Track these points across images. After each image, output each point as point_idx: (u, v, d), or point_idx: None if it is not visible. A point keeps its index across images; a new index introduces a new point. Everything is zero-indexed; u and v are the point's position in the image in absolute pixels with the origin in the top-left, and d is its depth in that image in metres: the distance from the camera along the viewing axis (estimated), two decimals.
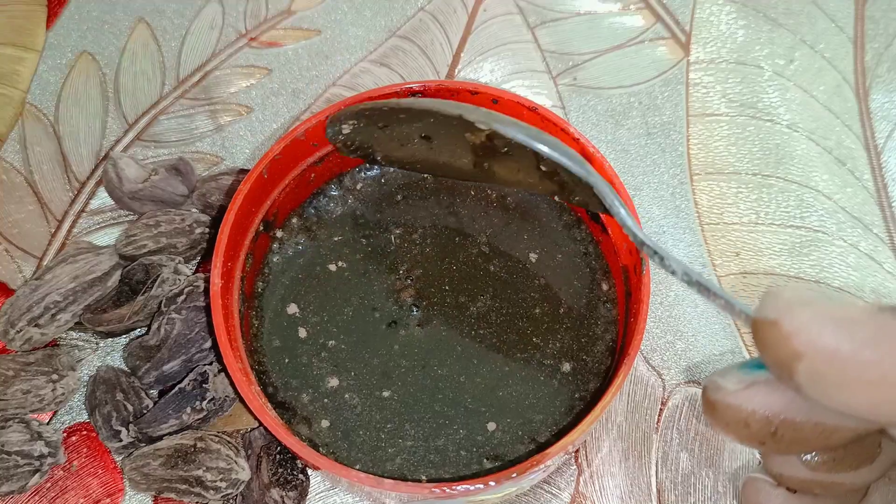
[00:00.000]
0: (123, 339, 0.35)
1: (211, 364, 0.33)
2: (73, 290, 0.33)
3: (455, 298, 0.33)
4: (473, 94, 0.33)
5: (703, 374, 0.35)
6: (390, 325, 0.33)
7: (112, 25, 0.44)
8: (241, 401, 0.33)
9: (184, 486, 0.31)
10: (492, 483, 0.26)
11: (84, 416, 0.34)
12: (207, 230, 0.36)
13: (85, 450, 0.34)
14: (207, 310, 0.33)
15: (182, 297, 0.33)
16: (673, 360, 0.35)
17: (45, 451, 0.32)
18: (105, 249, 0.35)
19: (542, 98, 0.42)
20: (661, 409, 0.34)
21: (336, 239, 0.35)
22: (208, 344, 0.33)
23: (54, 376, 0.33)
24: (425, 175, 0.36)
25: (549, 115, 0.32)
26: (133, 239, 0.35)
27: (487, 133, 0.27)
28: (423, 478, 0.30)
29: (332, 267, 0.34)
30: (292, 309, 0.33)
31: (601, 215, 0.32)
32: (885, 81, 0.42)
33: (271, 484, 0.31)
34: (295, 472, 0.32)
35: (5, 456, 0.31)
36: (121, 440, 0.32)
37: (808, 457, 0.20)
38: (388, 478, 0.27)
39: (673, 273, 0.22)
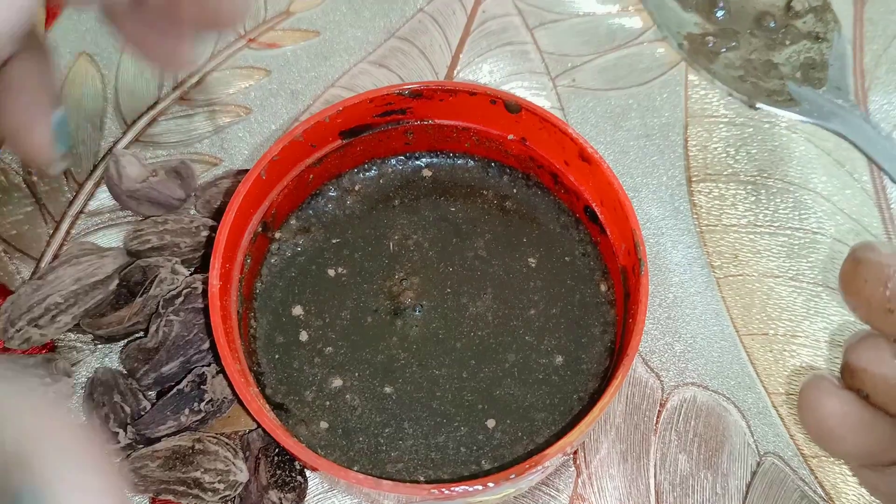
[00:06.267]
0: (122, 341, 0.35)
1: (209, 365, 0.33)
2: (74, 293, 0.33)
3: (455, 299, 0.33)
4: (472, 95, 0.33)
5: (703, 375, 0.35)
6: (390, 325, 0.33)
7: None
8: (240, 402, 0.33)
9: (182, 488, 0.31)
10: (490, 484, 0.26)
11: (82, 418, 0.34)
12: (213, 235, 0.36)
13: None
14: (206, 311, 0.33)
15: (180, 299, 0.33)
16: (671, 361, 0.35)
17: None
18: (109, 252, 0.35)
19: (542, 99, 0.42)
20: (659, 411, 0.34)
21: (335, 240, 0.35)
22: (206, 345, 0.33)
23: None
24: (423, 174, 0.36)
25: (548, 116, 0.32)
26: (139, 233, 0.35)
27: None
28: (422, 479, 0.30)
29: (331, 268, 0.34)
30: (297, 311, 0.33)
31: (600, 216, 0.32)
32: (884, 83, 0.42)
33: (269, 485, 0.31)
34: (293, 474, 0.32)
35: None
36: (118, 442, 0.32)
37: None
38: (386, 479, 0.27)
39: None
